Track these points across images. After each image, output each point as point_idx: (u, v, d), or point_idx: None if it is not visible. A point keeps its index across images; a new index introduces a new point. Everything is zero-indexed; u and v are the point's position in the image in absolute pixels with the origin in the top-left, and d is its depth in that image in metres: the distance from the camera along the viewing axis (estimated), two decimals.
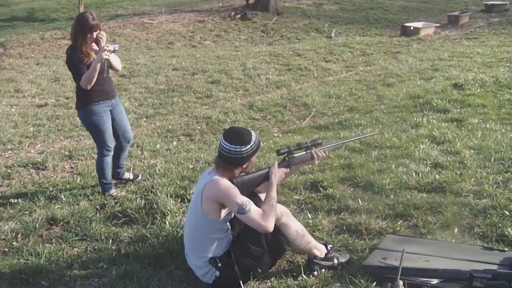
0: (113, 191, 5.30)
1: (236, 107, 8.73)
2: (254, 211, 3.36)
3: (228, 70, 11.43)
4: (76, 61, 4.80)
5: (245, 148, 3.43)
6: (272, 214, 3.40)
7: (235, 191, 3.39)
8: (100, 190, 5.33)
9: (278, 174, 3.63)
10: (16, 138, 7.40)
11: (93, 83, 4.79)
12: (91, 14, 4.83)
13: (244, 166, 3.53)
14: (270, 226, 3.37)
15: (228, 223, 3.62)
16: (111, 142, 5.14)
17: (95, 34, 4.83)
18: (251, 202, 3.39)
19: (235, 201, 3.34)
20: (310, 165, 4.31)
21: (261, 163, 5.62)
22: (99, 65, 4.74)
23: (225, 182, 3.43)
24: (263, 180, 3.63)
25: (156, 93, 9.96)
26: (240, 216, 3.37)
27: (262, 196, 3.69)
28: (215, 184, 3.41)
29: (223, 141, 3.46)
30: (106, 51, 4.73)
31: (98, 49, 4.88)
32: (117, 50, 4.91)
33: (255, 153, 3.53)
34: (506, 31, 15.15)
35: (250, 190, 3.61)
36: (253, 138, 3.49)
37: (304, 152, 3.75)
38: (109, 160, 5.21)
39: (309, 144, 3.76)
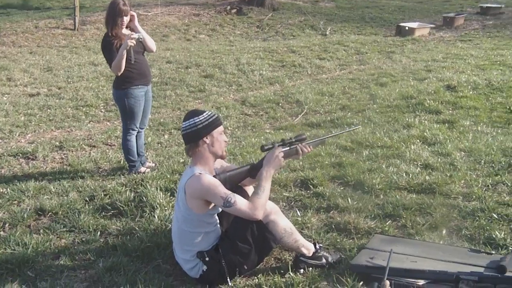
0: (142, 169, 5.60)
1: (229, 102, 8.72)
2: (240, 202, 3.40)
3: (222, 65, 11.41)
4: (108, 46, 5.11)
5: (198, 119, 3.50)
6: (259, 203, 3.43)
7: (217, 185, 3.40)
8: (127, 167, 5.62)
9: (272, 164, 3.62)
10: (7, 127, 7.35)
11: (122, 70, 5.08)
12: (122, 0, 5.07)
13: (208, 141, 3.51)
14: (258, 214, 3.43)
15: (217, 216, 3.62)
16: (138, 123, 5.48)
17: (125, 18, 5.10)
18: (235, 194, 3.42)
19: (220, 196, 3.36)
20: (295, 160, 4.52)
21: (252, 159, 5.62)
22: (125, 52, 4.99)
23: (206, 177, 3.42)
24: (245, 177, 3.70)
25: None
26: (228, 209, 3.40)
27: (247, 189, 3.82)
28: (197, 181, 3.41)
29: (181, 124, 3.57)
30: (130, 39, 4.97)
31: (129, 33, 5.10)
32: (141, 38, 5.18)
33: (213, 126, 3.52)
34: (501, 34, 15.19)
35: (233, 185, 3.63)
36: (207, 112, 3.58)
37: (288, 148, 3.76)
38: (134, 139, 5.52)
39: (293, 140, 3.78)
